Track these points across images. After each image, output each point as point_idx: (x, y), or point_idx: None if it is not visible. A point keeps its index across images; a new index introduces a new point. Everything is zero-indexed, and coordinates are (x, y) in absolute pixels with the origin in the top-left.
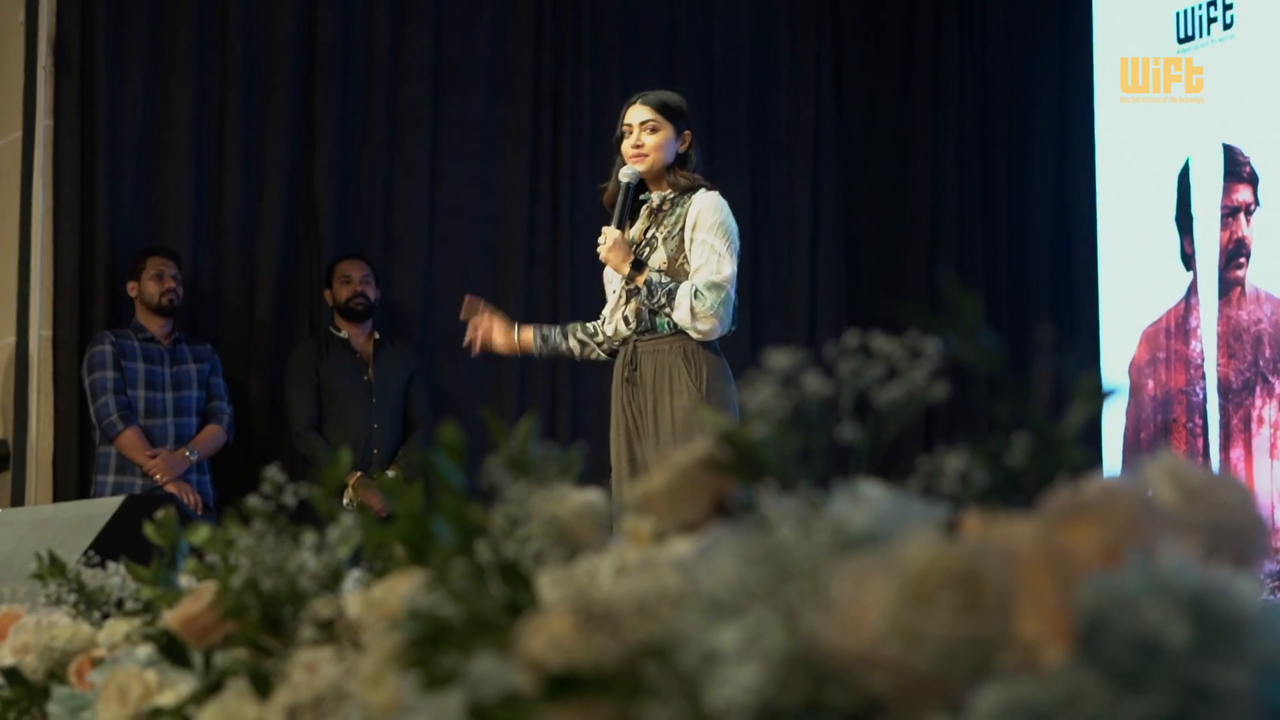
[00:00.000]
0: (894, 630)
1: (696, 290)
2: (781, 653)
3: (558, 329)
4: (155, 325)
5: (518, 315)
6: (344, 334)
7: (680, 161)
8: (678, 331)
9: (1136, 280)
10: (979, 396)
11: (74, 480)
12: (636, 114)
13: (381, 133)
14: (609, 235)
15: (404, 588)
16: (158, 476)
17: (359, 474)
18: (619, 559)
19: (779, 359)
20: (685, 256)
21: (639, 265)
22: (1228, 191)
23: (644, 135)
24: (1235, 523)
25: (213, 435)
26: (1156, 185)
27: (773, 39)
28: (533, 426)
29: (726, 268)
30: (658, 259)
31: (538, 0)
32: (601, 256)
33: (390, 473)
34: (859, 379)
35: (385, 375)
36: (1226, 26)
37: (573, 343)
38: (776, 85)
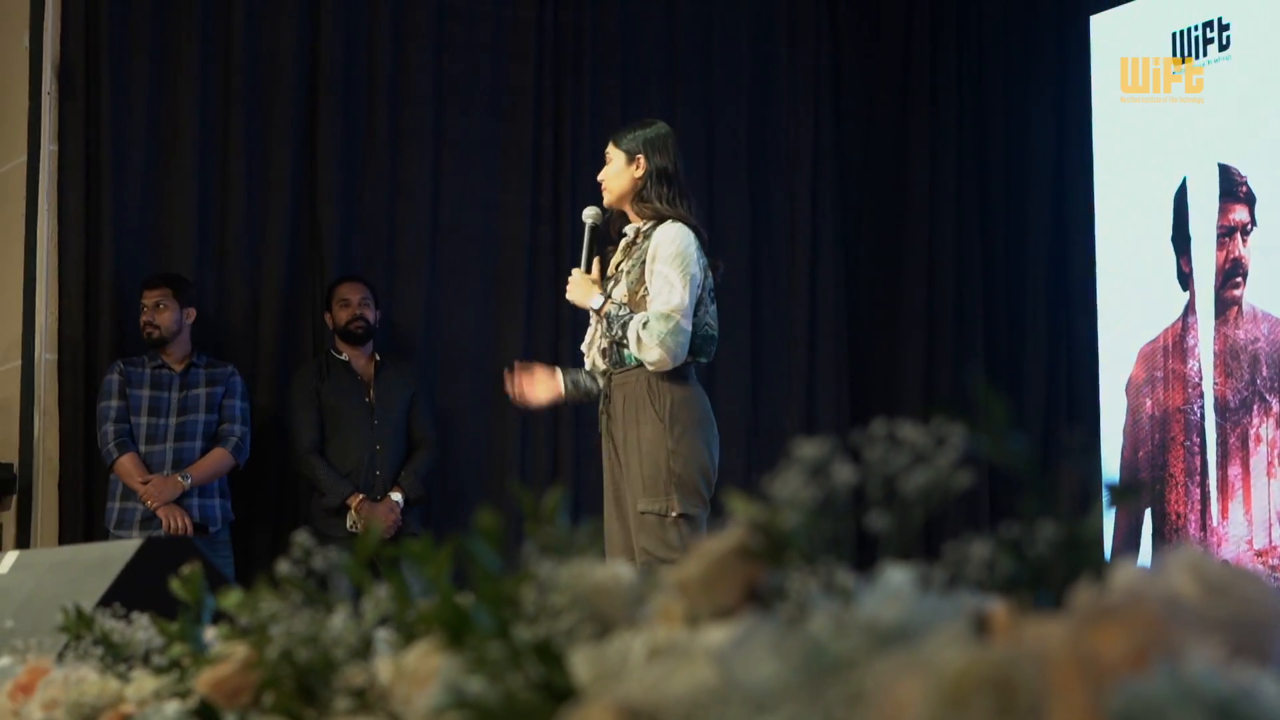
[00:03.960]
0: None
1: (646, 321)
2: None
3: (585, 371)
4: (164, 353)
5: (518, 335)
6: (344, 356)
7: (639, 189)
8: (642, 363)
9: (1133, 299)
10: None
11: (80, 505)
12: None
13: (383, 154)
14: (572, 275)
15: (435, 661)
16: (149, 502)
17: (362, 496)
18: (651, 640)
19: (809, 449)
20: (645, 288)
21: (601, 302)
22: (1224, 211)
23: (604, 170)
24: (1258, 618)
25: (216, 459)
26: (1153, 205)
27: (772, 57)
28: (561, 499)
29: (676, 298)
30: (619, 292)
31: (538, 20)
32: (568, 297)
33: (394, 495)
34: (885, 466)
35: (387, 397)
36: (1223, 47)
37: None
38: (776, 103)
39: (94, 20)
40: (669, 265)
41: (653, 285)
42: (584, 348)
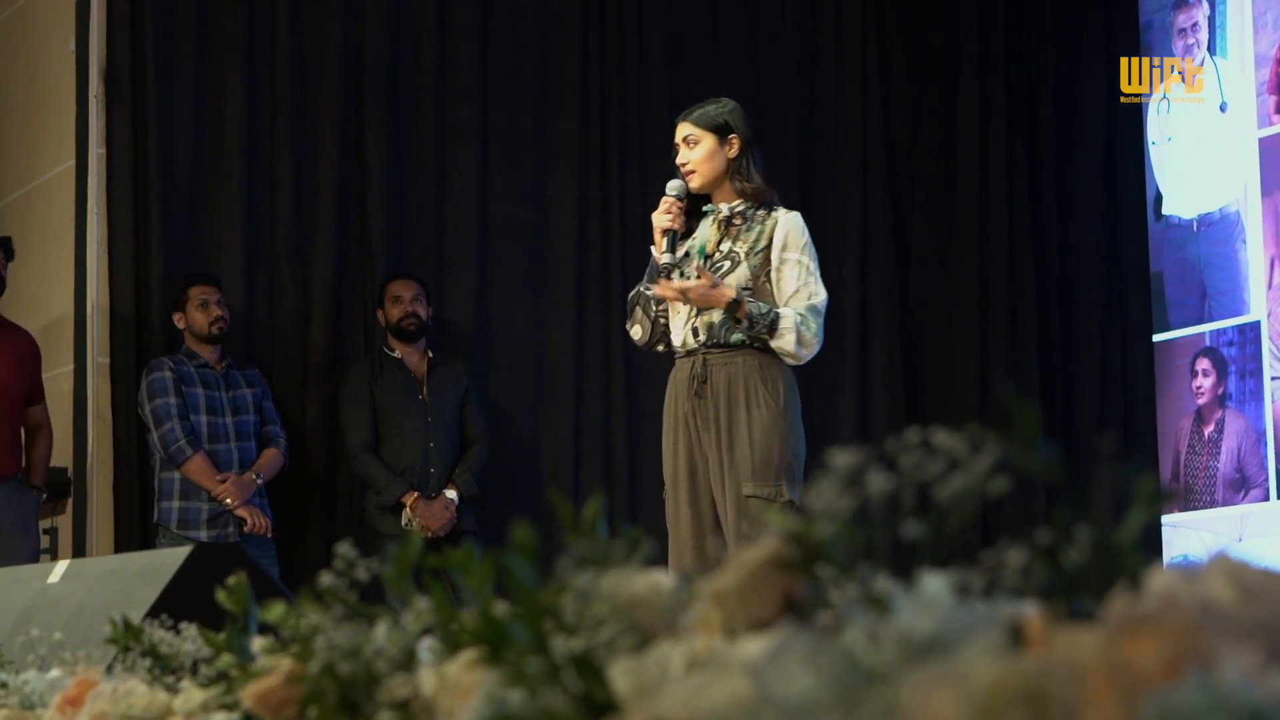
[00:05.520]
0: None
1: (803, 317)
2: None
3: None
4: (206, 352)
5: (569, 330)
6: (397, 354)
7: (736, 168)
8: (750, 344)
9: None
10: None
11: (135, 507)
12: (679, 132)
13: (430, 151)
14: (687, 286)
15: (478, 672)
16: (228, 501)
17: (417, 494)
18: (689, 651)
19: (842, 458)
20: (767, 275)
21: (735, 302)
22: None
23: (687, 151)
24: None
25: (272, 458)
26: (1210, 187)
27: (818, 47)
28: (600, 508)
29: (822, 291)
30: (740, 275)
31: (583, 15)
32: (696, 302)
33: (449, 493)
34: (920, 473)
35: (440, 394)
36: None
37: (654, 315)
38: (823, 93)
39: (139, 24)
40: (806, 255)
41: (791, 274)
42: (673, 321)
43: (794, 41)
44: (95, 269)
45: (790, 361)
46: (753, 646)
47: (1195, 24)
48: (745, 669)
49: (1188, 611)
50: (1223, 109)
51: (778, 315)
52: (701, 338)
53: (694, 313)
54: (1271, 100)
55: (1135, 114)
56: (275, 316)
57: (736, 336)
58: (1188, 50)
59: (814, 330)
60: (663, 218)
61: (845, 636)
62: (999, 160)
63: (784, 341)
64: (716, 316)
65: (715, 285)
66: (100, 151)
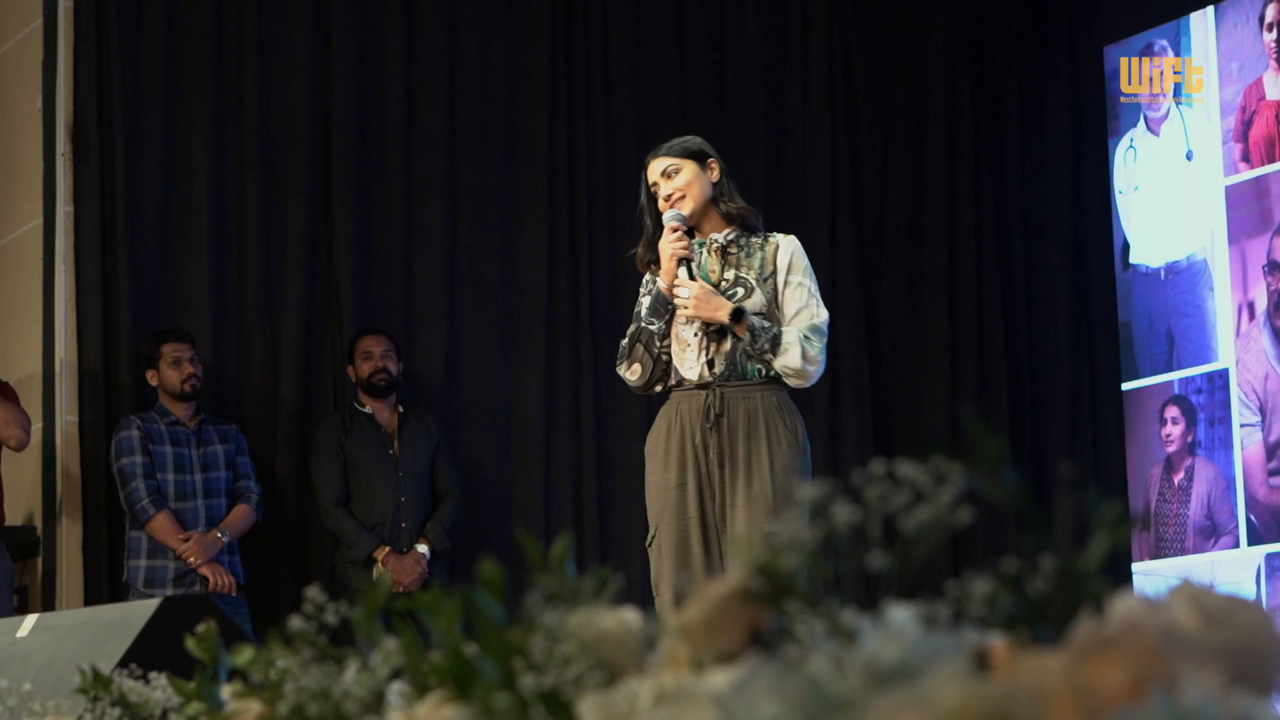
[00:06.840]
0: None
1: (806, 335)
2: None
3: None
4: (179, 409)
5: (539, 383)
6: (368, 409)
7: (719, 192)
8: (769, 379)
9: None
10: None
11: (105, 566)
12: (654, 169)
13: (399, 205)
14: (691, 288)
15: (446, 712)
16: (191, 560)
17: (388, 549)
18: (658, 685)
19: (807, 490)
20: (778, 301)
21: (738, 313)
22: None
23: (669, 183)
24: (1256, 647)
25: (242, 515)
26: (1176, 235)
27: (786, 98)
28: (568, 547)
29: (824, 312)
30: (756, 302)
31: (550, 68)
32: (690, 314)
33: (420, 547)
34: (886, 505)
35: (411, 448)
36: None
37: (656, 352)
38: (791, 143)
39: (106, 81)
40: (807, 278)
41: (794, 297)
42: (685, 357)
43: (761, 92)
44: (64, 327)
45: (794, 382)
46: (720, 678)
47: (1160, 72)
48: (712, 700)
49: (1151, 635)
50: (1189, 157)
51: (780, 332)
52: (718, 369)
53: (708, 345)
54: (1237, 148)
55: (1102, 163)
56: (245, 372)
57: (752, 368)
58: (1154, 99)
59: (818, 349)
60: (676, 245)
61: (811, 664)
62: (966, 209)
63: (788, 358)
64: (728, 345)
65: (711, 293)
66: (68, 209)
